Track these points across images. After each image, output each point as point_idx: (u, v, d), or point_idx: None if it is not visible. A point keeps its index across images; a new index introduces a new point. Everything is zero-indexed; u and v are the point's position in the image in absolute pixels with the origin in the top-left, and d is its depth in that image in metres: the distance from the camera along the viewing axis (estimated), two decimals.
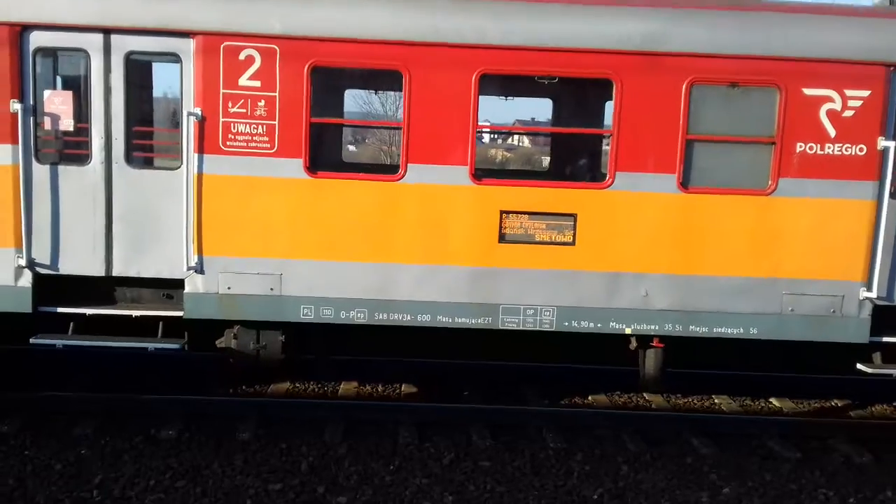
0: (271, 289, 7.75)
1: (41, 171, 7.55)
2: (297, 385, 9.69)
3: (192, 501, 6.60)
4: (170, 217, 7.62)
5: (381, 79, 8.98)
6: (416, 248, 7.71)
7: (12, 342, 8.79)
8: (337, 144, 9.88)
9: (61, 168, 7.59)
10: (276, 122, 7.45)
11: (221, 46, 7.34)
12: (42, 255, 7.67)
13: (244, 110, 7.43)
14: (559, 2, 7.54)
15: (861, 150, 7.60)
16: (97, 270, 7.73)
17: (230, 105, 7.42)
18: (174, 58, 7.50)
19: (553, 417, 8.62)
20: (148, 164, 7.94)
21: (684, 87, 7.48)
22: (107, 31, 7.42)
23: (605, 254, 7.74)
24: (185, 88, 7.48)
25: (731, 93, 7.58)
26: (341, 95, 9.37)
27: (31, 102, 7.46)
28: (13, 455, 7.30)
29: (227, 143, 7.48)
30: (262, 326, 8.09)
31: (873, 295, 7.80)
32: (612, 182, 7.64)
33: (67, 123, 7.61)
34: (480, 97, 7.60)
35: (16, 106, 7.36)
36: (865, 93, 7.53)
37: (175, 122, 7.70)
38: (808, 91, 7.52)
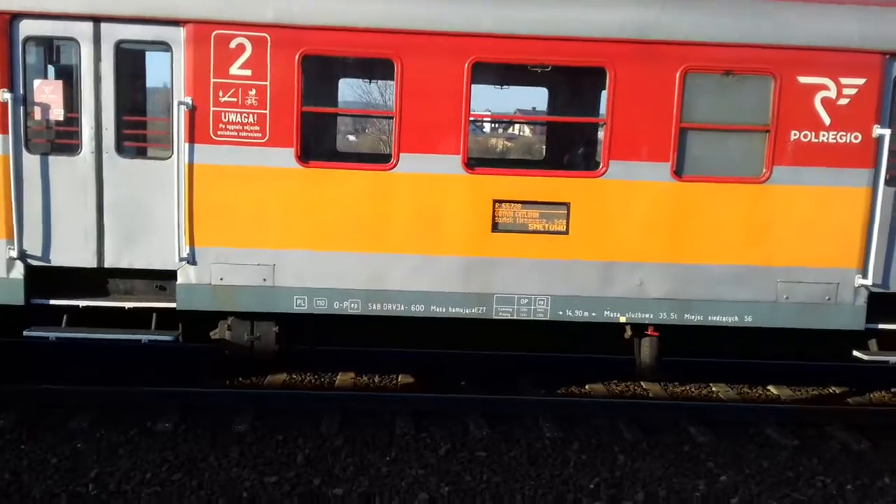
0: (264, 279, 7.71)
1: (31, 162, 7.49)
2: (294, 376, 9.66)
3: (188, 494, 6.58)
4: (161, 207, 7.57)
5: (374, 67, 8.90)
6: (409, 238, 7.67)
7: (5, 335, 8.77)
8: (331, 134, 9.83)
9: (52, 158, 7.53)
10: (268, 112, 7.40)
11: (212, 35, 7.28)
12: (34, 246, 7.62)
13: (235, 99, 7.37)
14: None
15: (856, 137, 7.56)
16: (89, 262, 7.69)
17: (221, 94, 7.36)
18: (165, 46, 7.43)
19: (549, 407, 8.60)
20: (139, 153, 7.88)
21: (678, 75, 7.43)
22: (97, 20, 7.34)
23: (598, 243, 7.70)
24: (176, 77, 7.42)
25: (726, 81, 7.54)
26: (334, 84, 9.31)
27: (21, 92, 7.39)
28: (9, 449, 7.27)
29: (218, 132, 7.43)
30: (255, 317, 8.06)
31: (868, 282, 7.78)
32: (606, 170, 7.60)
33: (58, 113, 7.54)
34: (473, 86, 7.54)
35: (5, 95, 7.30)
36: (861, 81, 7.48)
37: (166, 112, 7.62)
38: (802, 79, 7.47)
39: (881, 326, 8.01)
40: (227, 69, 7.33)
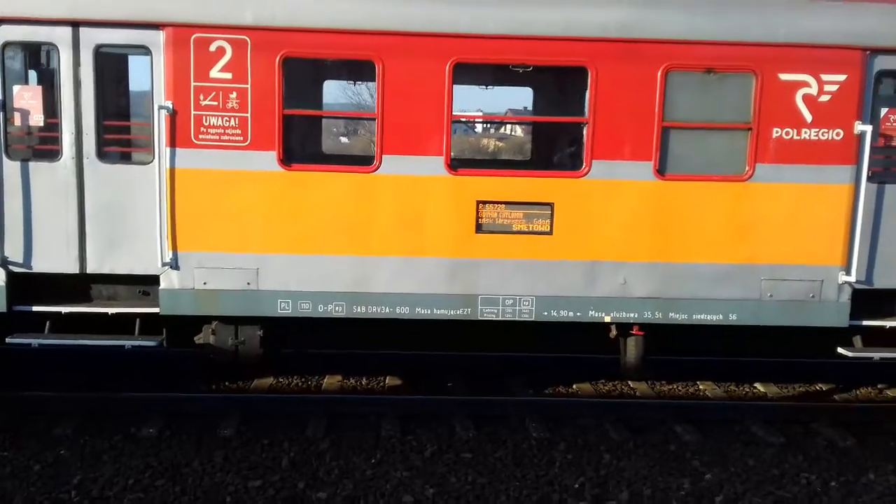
0: (248, 283, 7.69)
1: (12, 168, 7.45)
2: (281, 380, 9.62)
3: (170, 500, 6.53)
4: (143, 212, 7.54)
5: (355, 69, 8.90)
6: (393, 240, 7.66)
7: None
8: (315, 136, 9.80)
9: (32, 164, 7.49)
10: (249, 115, 7.37)
11: (192, 38, 7.25)
12: (15, 253, 7.59)
13: (216, 103, 7.35)
14: None
15: (838, 134, 7.58)
16: (71, 268, 7.65)
17: (202, 98, 7.33)
18: (144, 50, 7.41)
19: (536, 407, 8.59)
20: (120, 158, 7.85)
21: (660, 73, 7.43)
22: (75, 24, 7.31)
23: (582, 242, 7.70)
24: (156, 81, 7.39)
25: (707, 79, 7.54)
26: (316, 86, 9.28)
27: (1, 98, 7.36)
28: None
29: (200, 136, 7.40)
30: (240, 322, 8.03)
31: (852, 279, 7.80)
32: (589, 170, 7.60)
33: (37, 119, 7.51)
34: (455, 87, 7.53)
35: None
36: (842, 77, 7.49)
37: (147, 116, 7.59)
38: (783, 76, 7.48)
39: (865, 323, 8.03)
40: (207, 72, 7.30)
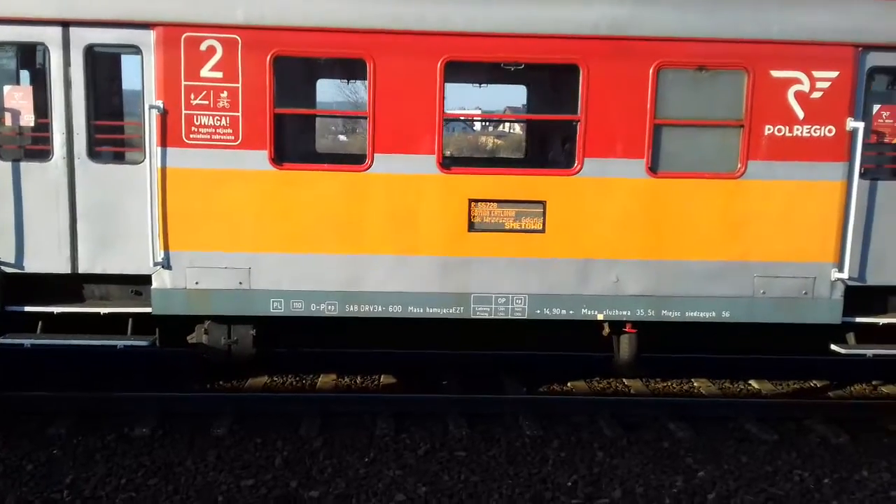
0: (240, 283, 7.68)
1: (3, 168, 7.44)
2: (275, 379, 9.61)
3: (162, 499, 6.53)
4: (134, 212, 7.53)
5: (347, 68, 8.88)
6: (385, 239, 7.65)
7: None
8: (307, 135, 9.79)
9: (23, 165, 7.48)
10: (240, 114, 7.36)
11: (182, 37, 7.23)
12: (7, 253, 7.57)
13: (207, 102, 7.33)
14: None
15: (830, 131, 7.57)
16: (63, 268, 7.64)
17: (192, 97, 7.32)
18: (135, 50, 7.39)
19: (530, 405, 8.58)
20: (111, 158, 7.82)
21: (651, 71, 7.42)
22: (65, 24, 7.29)
23: (575, 240, 7.69)
24: (147, 81, 7.37)
25: (699, 76, 7.53)
26: (307, 85, 9.27)
27: None
28: None
29: (191, 136, 7.39)
30: (233, 321, 8.02)
31: (845, 276, 7.79)
32: (581, 168, 7.59)
33: (28, 119, 7.50)
34: (448, 85, 7.52)
35: None
36: (834, 74, 7.49)
37: (138, 116, 7.58)
38: (775, 73, 7.47)
39: (858, 320, 8.03)
40: (197, 72, 7.29)
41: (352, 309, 7.77)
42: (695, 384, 9.78)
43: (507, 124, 41.34)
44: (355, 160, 7.84)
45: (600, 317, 7.89)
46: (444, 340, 9.78)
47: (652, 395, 9.43)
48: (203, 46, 7.26)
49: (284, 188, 7.52)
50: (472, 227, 7.66)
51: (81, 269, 7.67)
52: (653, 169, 7.60)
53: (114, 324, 8.00)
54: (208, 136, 7.40)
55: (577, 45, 7.39)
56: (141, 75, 7.43)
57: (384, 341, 9.83)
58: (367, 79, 7.48)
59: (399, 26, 7.31)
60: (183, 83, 7.30)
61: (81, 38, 7.32)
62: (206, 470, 7.07)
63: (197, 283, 7.66)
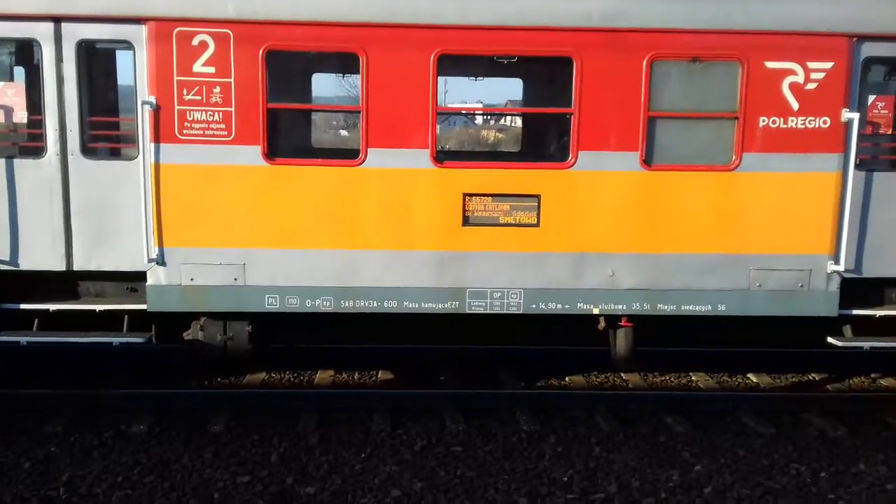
0: (235, 279, 7.67)
1: None
2: (273, 375, 9.62)
3: (159, 496, 6.52)
4: (128, 209, 7.51)
5: (340, 62, 8.85)
6: (379, 234, 7.63)
7: None
8: (301, 130, 9.75)
9: (17, 161, 7.47)
10: (233, 109, 7.33)
11: (174, 32, 7.21)
12: (2, 251, 7.56)
13: (199, 97, 7.31)
14: None
15: (825, 122, 7.53)
16: (58, 265, 7.63)
17: (185, 92, 7.30)
18: (127, 45, 7.37)
19: (527, 400, 8.58)
20: (104, 154, 7.81)
21: (645, 63, 7.38)
22: (57, 20, 7.27)
23: (569, 234, 7.66)
24: (139, 76, 7.35)
25: (693, 68, 7.48)
26: (300, 80, 9.23)
27: None
28: None
29: (184, 131, 7.37)
30: (228, 317, 8.01)
31: (841, 268, 7.75)
32: (575, 162, 7.55)
33: (21, 115, 7.48)
34: (444, 78, 7.50)
35: None
36: (828, 65, 7.44)
37: (131, 112, 7.56)
38: (770, 64, 7.43)
39: (855, 312, 7.99)
40: (190, 67, 7.26)
41: (347, 304, 7.76)
42: (693, 378, 9.76)
43: (508, 118, 41.23)
44: (346, 155, 7.81)
45: (596, 311, 7.86)
46: (440, 335, 9.78)
47: (650, 389, 9.41)
48: (195, 41, 7.24)
49: (278, 183, 7.50)
50: (466, 221, 7.63)
51: (76, 267, 7.66)
52: (647, 162, 7.57)
53: (110, 321, 8.00)
54: (201, 132, 7.38)
55: (569, 37, 7.35)
56: (133, 71, 7.41)
57: (380, 336, 9.84)
58: (359, 73, 7.45)
59: (391, 20, 7.27)
60: (175, 78, 7.28)
61: (73, 33, 7.30)
62: (202, 467, 7.06)
63: (192, 279, 7.65)
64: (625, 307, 7.85)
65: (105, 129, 8.02)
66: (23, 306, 7.77)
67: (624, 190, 7.60)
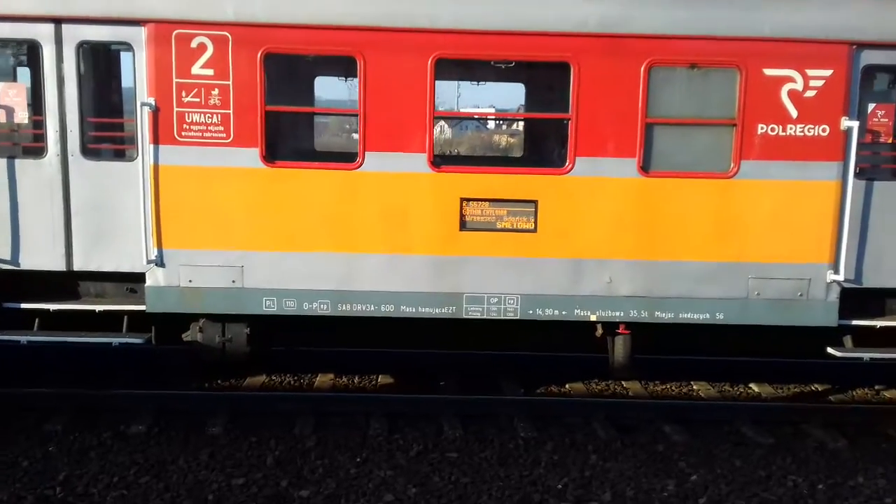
0: (233, 281, 7.70)
1: None
2: (273, 378, 9.63)
3: (153, 497, 6.54)
4: (128, 210, 7.57)
5: (338, 65, 8.88)
6: (377, 238, 7.64)
7: None
8: (299, 133, 9.78)
9: (18, 161, 7.54)
10: (231, 111, 7.38)
11: (173, 34, 7.26)
12: (3, 250, 7.64)
13: (198, 99, 7.36)
14: None
15: (824, 130, 7.48)
16: (58, 265, 7.70)
17: (184, 94, 7.35)
18: (126, 47, 7.45)
19: (524, 406, 8.54)
20: (104, 155, 7.86)
21: (643, 69, 7.37)
22: (58, 21, 7.34)
23: (567, 240, 7.65)
24: (139, 78, 7.40)
25: (691, 74, 7.46)
26: (298, 82, 9.25)
27: None
28: None
29: (182, 133, 7.42)
30: (227, 319, 8.04)
31: (840, 278, 7.69)
32: (572, 167, 7.54)
33: (22, 116, 7.57)
34: (438, 82, 7.51)
35: None
36: (828, 72, 7.40)
37: (131, 113, 7.63)
38: (768, 71, 7.39)
39: (855, 323, 7.92)
40: (189, 69, 7.31)
41: (344, 308, 7.77)
42: (694, 387, 9.70)
43: (518, 123, 41.20)
44: (349, 158, 7.84)
45: (593, 317, 7.83)
46: (438, 340, 9.78)
47: (650, 397, 9.35)
48: (194, 43, 7.29)
49: (276, 186, 7.53)
50: (463, 225, 7.63)
51: (76, 267, 7.72)
52: (644, 168, 7.55)
53: (111, 321, 8.05)
54: (200, 134, 7.42)
55: (567, 42, 7.35)
56: (133, 72, 7.47)
57: (378, 341, 9.85)
58: (357, 76, 7.48)
59: (389, 24, 7.30)
60: (174, 80, 7.33)
61: (73, 35, 7.37)
62: (198, 468, 7.08)
63: (190, 281, 7.69)
64: (622, 314, 7.82)
65: (105, 131, 8.08)
66: (23, 306, 7.84)
67: (621, 196, 7.57)
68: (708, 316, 7.79)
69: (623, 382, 9.67)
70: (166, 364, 9.64)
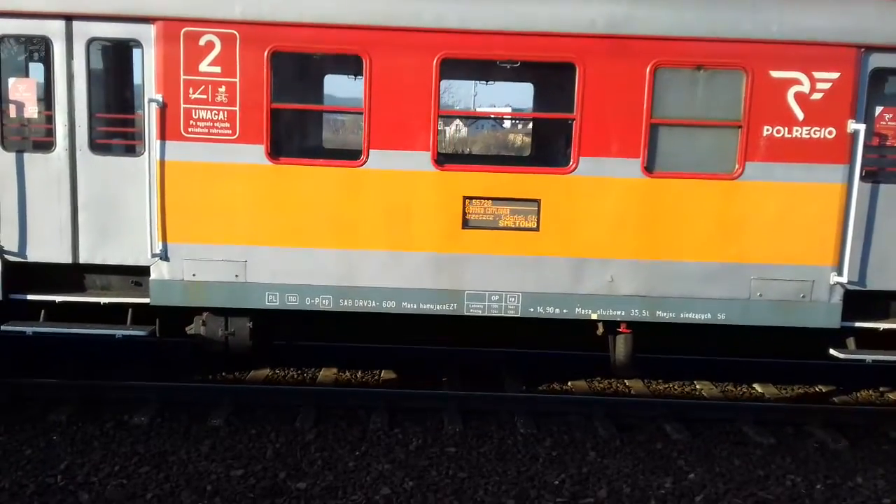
0: (236, 276, 7.76)
1: (7, 159, 7.60)
2: (277, 371, 9.71)
3: (152, 487, 6.63)
4: (134, 204, 7.65)
5: (343, 64, 8.92)
6: (379, 235, 7.68)
7: None
8: (306, 130, 9.83)
9: (27, 156, 7.63)
10: (237, 109, 7.44)
11: (181, 32, 7.33)
12: (10, 242, 7.73)
13: (205, 96, 7.42)
14: None
15: (830, 133, 7.46)
16: (64, 258, 7.79)
17: (191, 91, 7.41)
18: (135, 44, 7.52)
19: (525, 403, 8.57)
20: (111, 151, 7.94)
21: (648, 70, 7.37)
22: (69, 18, 7.43)
23: (569, 239, 7.66)
24: (147, 75, 7.48)
25: (697, 76, 7.46)
26: (304, 80, 9.29)
27: None
28: None
29: (189, 129, 7.48)
30: (230, 313, 8.11)
31: (844, 280, 7.68)
32: (576, 167, 7.55)
33: (32, 111, 7.66)
34: (443, 82, 7.54)
35: None
36: (835, 75, 7.37)
37: (138, 109, 7.71)
38: (775, 74, 7.38)
39: (857, 325, 7.90)
40: (196, 66, 7.38)
41: (346, 304, 7.82)
42: (697, 387, 9.70)
43: (528, 123, 41.14)
44: (353, 156, 7.88)
45: (594, 316, 7.85)
46: (440, 336, 9.81)
47: (652, 396, 9.36)
48: (202, 41, 7.35)
49: (280, 182, 7.59)
50: (466, 224, 7.66)
51: (82, 260, 7.81)
52: (648, 169, 7.55)
53: (116, 313, 8.13)
54: (206, 130, 7.49)
55: (573, 43, 7.36)
56: (141, 69, 7.55)
57: (380, 336, 9.90)
58: (363, 75, 7.51)
59: (395, 23, 7.33)
60: (182, 77, 7.40)
61: (84, 31, 7.45)
62: (198, 459, 7.16)
63: (194, 274, 7.76)
64: (623, 313, 7.83)
65: (113, 126, 8.16)
66: (30, 297, 7.93)
67: (624, 196, 7.58)
68: (709, 316, 7.79)
69: (626, 381, 9.69)
70: (170, 357, 9.72)
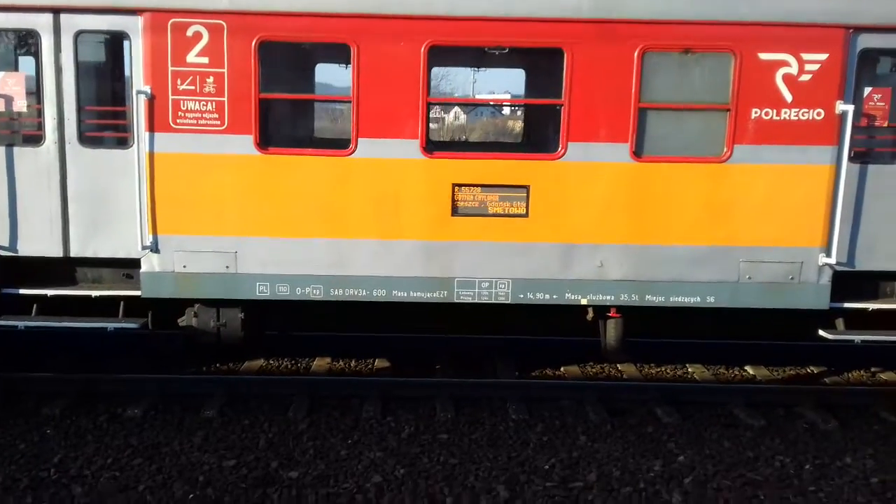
0: (227, 267, 7.77)
1: None
2: (271, 362, 9.72)
3: (145, 478, 6.65)
4: (123, 196, 7.63)
5: (331, 53, 8.89)
6: (369, 223, 7.69)
7: None
8: (295, 120, 9.81)
9: (17, 149, 7.62)
10: (226, 99, 7.42)
11: (169, 23, 7.30)
12: (1, 237, 7.73)
13: (193, 87, 7.40)
14: None
15: (819, 114, 7.46)
16: (55, 251, 7.78)
17: (179, 82, 7.39)
18: (123, 36, 7.48)
19: (517, 389, 8.61)
20: (100, 143, 7.91)
21: (636, 54, 7.35)
22: (56, 11, 7.39)
23: (558, 225, 7.67)
24: (135, 66, 7.45)
25: (685, 59, 7.44)
26: (292, 70, 9.26)
27: None
28: None
29: (178, 120, 7.47)
30: (222, 304, 8.12)
31: (832, 261, 7.70)
32: (564, 153, 7.55)
33: (21, 104, 7.63)
34: (441, 69, 7.55)
35: None
36: (823, 56, 7.37)
37: (127, 101, 7.69)
38: (763, 56, 7.37)
39: (846, 305, 7.93)
40: (184, 57, 7.35)
41: (336, 293, 7.83)
42: (689, 370, 9.74)
43: (519, 109, 41.01)
44: (342, 145, 7.87)
45: (584, 301, 7.87)
46: (431, 324, 9.82)
47: (644, 379, 9.39)
48: (189, 32, 7.32)
49: (269, 172, 7.58)
50: (455, 211, 7.66)
51: (73, 253, 7.80)
52: (637, 153, 7.55)
53: (108, 306, 8.14)
54: (195, 121, 7.47)
55: (560, 28, 7.34)
56: (129, 61, 7.54)
57: (373, 325, 9.91)
58: (350, 63, 7.50)
59: (382, 11, 7.30)
60: (170, 68, 7.37)
61: (71, 24, 7.42)
62: (191, 450, 7.19)
63: (185, 266, 7.76)
64: (613, 298, 7.85)
65: (101, 119, 8.14)
66: (22, 291, 7.93)
67: (613, 181, 7.58)
68: (699, 299, 7.82)
69: (618, 365, 9.72)
70: (164, 348, 9.74)
